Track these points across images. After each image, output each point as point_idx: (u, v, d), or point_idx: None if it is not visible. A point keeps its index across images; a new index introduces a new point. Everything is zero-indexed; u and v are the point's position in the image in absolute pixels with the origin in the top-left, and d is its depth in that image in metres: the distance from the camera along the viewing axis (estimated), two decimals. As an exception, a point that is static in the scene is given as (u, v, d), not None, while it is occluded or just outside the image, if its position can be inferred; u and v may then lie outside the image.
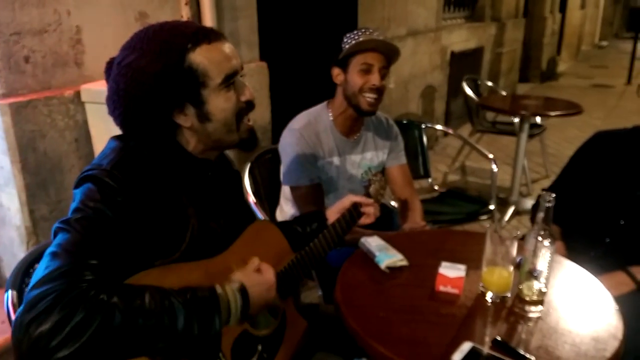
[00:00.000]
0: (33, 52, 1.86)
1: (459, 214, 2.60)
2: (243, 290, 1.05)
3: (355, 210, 1.43)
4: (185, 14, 2.44)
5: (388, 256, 1.39)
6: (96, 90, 1.94)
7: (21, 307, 0.85)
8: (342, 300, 1.24)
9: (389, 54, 1.79)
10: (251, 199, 2.04)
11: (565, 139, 5.32)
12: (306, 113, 1.93)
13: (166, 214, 1.04)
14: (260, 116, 2.83)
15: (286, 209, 2.00)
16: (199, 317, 0.96)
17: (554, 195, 1.21)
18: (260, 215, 1.99)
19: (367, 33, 1.78)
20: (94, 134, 2.01)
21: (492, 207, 2.59)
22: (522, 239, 1.31)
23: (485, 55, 6.31)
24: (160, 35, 1.04)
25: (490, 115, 4.48)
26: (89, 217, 0.95)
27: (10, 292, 1.17)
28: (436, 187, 2.92)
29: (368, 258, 1.42)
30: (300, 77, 3.11)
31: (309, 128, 1.86)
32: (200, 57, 1.03)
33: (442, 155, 4.89)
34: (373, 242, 1.45)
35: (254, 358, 1.15)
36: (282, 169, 1.89)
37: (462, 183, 4.28)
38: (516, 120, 3.73)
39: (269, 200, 2.13)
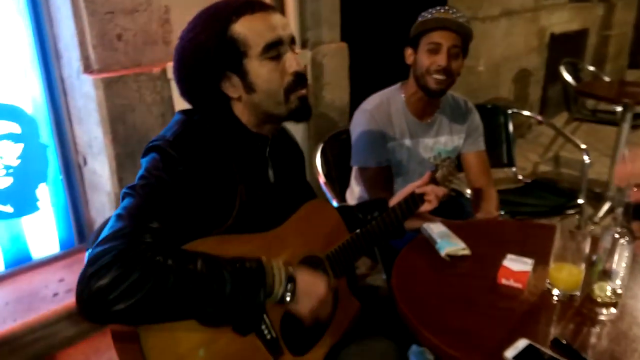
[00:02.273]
0: (125, 30, 1.98)
1: (542, 207, 2.45)
2: (289, 269, 1.06)
3: (417, 196, 1.39)
4: (269, -6, 2.47)
5: (450, 244, 1.34)
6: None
7: (85, 262, 0.92)
8: (397, 285, 1.22)
9: (460, 33, 1.69)
10: (321, 179, 2.06)
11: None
12: (379, 94, 1.90)
13: (218, 185, 1.08)
14: (339, 97, 2.83)
15: (356, 191, 1.99)
16: (245, 287, 0.99)
17: (635, 189, 1.10)
18: (328, 194, 2.00)
19: (442, 11, 1.70)
20: (178, 109, 2.11)
21: (580, 201, 2.42)
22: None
23: (590, 38, 5.82)
24: (210, 9, 1.10)
25: (590, 103, 4.15)
26: (152, 184, 1.02)
27: (90, 250, 1.28)
28: (520, 177, 2.76)
29: (429, 244, 1.39)
30: (381, 58, 3.06)
31: (381, 109, 1.82)
32: (241, 27, 1.06)
33: (534, 143, 4.62)
34: (435, 229, 1.41)
35: (303, 331, 1.16)
36: (352, 149, 1.88)
37: (554, 174, 4.02)
38: (618, 108, 3.43)
39: (340, 182, 2.14)
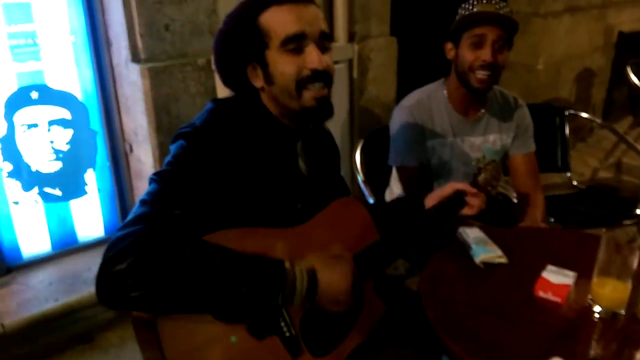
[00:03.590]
0: (173, 20, 2.01)
1: (596, 216, 2.30)
2: (312, 272, 1.03)
3: (457, 199, 1.33)
4: (318, -14, 2.45)
5: (485, 250, 1.27)
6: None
7: (107, 245, 0.93)
8: (426, 290, 1.17)
9: (505, 25, 1.59)
10: (360, 176, 2.02)
11: None
12: (419, 90, 1.82)
13: (244, 176, 1.07)
14: (385, 93, 2.77)
15: (395, 190, 1.93)
16: (263, 289, 0.97)
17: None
18: (366, 193, 1.96)
19: (484, 2, 1.60)
20: (221, 100, 2.13)
21: (639, 211, 2.25)
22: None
23: (664, 38, 5.45)
24: (243, 1, 1.10)
25: (659, 107, 3.89)
26: (177, 170, 1.02)
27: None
28: (575, 183, 2.61)
29: (464, 250, 1.32)
30: (431, 54, 2.97)
31: (421, 106, 1.75)
32: (267, 17, 1.06)
33: (595, 148, 4.36)
34: (471, 234, 1.34)
35: (324, 331, 1.13)
36: (390, 147, 1.82)
37: (615, 181, 3.78)
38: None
39: (382, 180, 2.08)
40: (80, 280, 2.04)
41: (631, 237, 2.34)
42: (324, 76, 1.09)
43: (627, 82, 3.76)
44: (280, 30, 1.06)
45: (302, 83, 1.08)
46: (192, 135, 1.05)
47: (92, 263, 2.14)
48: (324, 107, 1.11)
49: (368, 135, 2.10)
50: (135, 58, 1.98)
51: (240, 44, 1.08)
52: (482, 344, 1.02)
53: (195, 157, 1.03)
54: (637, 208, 2.26)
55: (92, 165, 2.21)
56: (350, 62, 2.55)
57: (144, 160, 2.14)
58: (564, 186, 2.75)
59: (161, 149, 2.05)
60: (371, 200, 1.93)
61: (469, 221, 1.56)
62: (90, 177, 2.22)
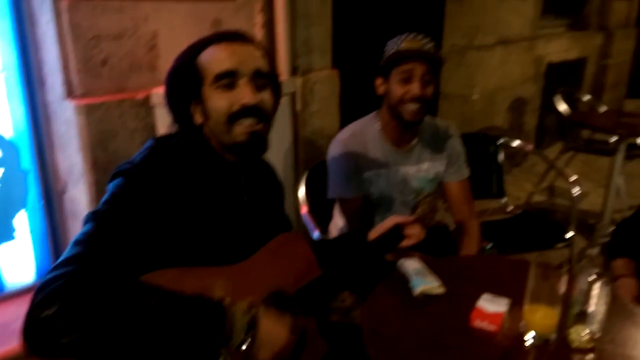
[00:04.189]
0: (110, 55, 1.98)
1: (531, 240, 2.40)
2: (253, 316, 1.01)
3: (396, 232, 1.36)
4: (258, 21, 2.48)
5: (424, 282, 1.30)
6: (165, 94, 2.02)
7: (36, 288, 0.89)
8: (366, 325, 1.18)
9: (431, 61, 1.68)
10: (304, 209, 2.03)
11: (675, 162, 4.76)
12: (353, 124, 1.87)
13: (183, 213, 1.06)
14: (329, 124, 2.81)
15: (339, 223, 1.95)
16: (201, 332, 0.95)
17: (611, 229, 1.06)
18: (310, 225, 1.96)
19: (409, 39, 1.69)
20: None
21: (570, 234, 2.37)
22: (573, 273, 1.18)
23: (588, 67, 5.83)
24: (196, 39, 1.15)
25: (585, 133, 4.12)
26: (115, 209, 1.00)
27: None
28: (510, 208, 2.72)
29: (404, 282, 1.34)
30: (372, 86, 3.05)
31: (355, 139, 1.80)
32: (204, 56, 1.12)
33: (529, 173, 4.57)
34: (410, 265, 1.37)
35: None
36: (328, 180, 1.85)
37: (549, 204, 3.97)
38: (613, 139, 3.40)
39: (327, 212, 2.10)
40: (8, 331, 1.91)
41: (567, 258, 2.44)
42: (255, 112, 1.11)
43: (556, 109, 3.98)
44: (213, 67, 1.10)
45: (232, 118, 1.10)
46: (130, 173, 1.04)
47: (21, 312, 2.00)
48: (256, 143, 1.13)
49: (312, 168, 2.12)
50: (70, 94, 1.93)
51: (181, 82, 1.13)
52: (422, 378, 1.03)
53: (133, 195, 1.02)
54: (568, 232, 2.38)
55: (24, 206, 2.11)
56: (293, 95, 2.58)
57: (79, 200, 2.06)
58: (500, 211, 2.87)
59: (97, 188, 1.98)
60: (316, 233, 1.94)
61: (409, 252, 1.60)
62: (22, 218, 2.11)
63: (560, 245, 2.36)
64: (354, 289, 1.96)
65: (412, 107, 1.68)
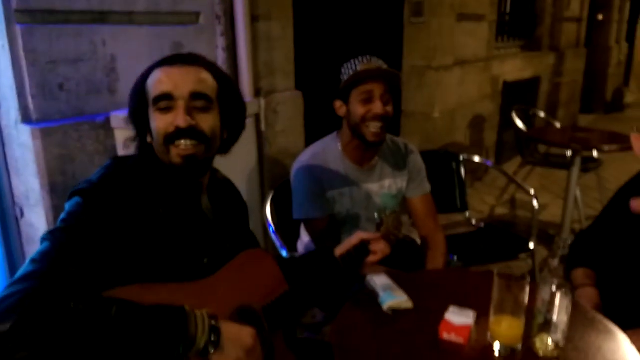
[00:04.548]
0: (67, 79, 1.94)
1: (494, 252, 2.45)
2: (214, 319, 1.00)
3: (362, 247, 1.37)
4: (220, 45, 2.49)
5: (392, 297, 1.30)
6: (125, 116, 1.99)
7: None
8: (336, 342, 1.17)
9: (389, 79, 1.73)
10: (271, 227, 2.01)
11: (627, 173, 4.89)
12: (314, 145, 1.89)
13: (143, 231, 1.05)
14: (294, 144, 2.82)
15: (306, 241, 1.95)
16: (164, 337, 0.93)
17: (569, 241, 1.10)
18: (278, 243, 1.95)
19: (364, 62, 1.73)
20: (122, 159, 2.06)
21: (532, 245, 2.43)
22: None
23: (542, 85, 6.07)
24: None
25: (542, 148, 4.26)
26: (71, 227, 0.99)
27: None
28: (474, 222, 2.77)
29: (372, 297, 1.35)
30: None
31: (316, 160, 1.81)
32: (150, 79, 1.14)
33: (491, 187, 4.69)
34: (379, 281, 1.37)
35: None
36: (293, 202, 1.85)
37: (510, 217, 4.07)
38: (569, 153, 3.53)
39: (293, 230, 2.09)
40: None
41: (530, 268, 2.50)
42: (191, 133, 1.11)
43: (514, 126, 4.11)
44: (153, 90, 1.12)
45: (168, 139, 1.11)
46: (87, 192, 1.04)
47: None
48: (190, 165, 1.13)
49: (278, 186, 2.12)
50: (26, 119, 1.88)
51: (133, 103, 1.16)
52: (393, 393, 1.03)
53: (90, 213, 1.01)
54: (530, 242, 2.44)
55: (-22, 233, 2.03)
56: (257, 116, 2.59)
57: (37, 225, 2.00)
58: (464, 225, 2.92)
59: (55, 212, 1.92)
60: (284, 251, 1.93)
61: (377, 267, 1.61)
62: (-24, 246, 2.03)
63: (523, 256, 2.42)
64: (322, 306, 1.95)
65: (374, 126, 1.70)
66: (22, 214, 2.04)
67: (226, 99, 1.20)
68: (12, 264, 2.11)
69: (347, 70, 1.75)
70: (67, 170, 1.93)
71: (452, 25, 4.12)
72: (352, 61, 1.76)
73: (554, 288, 1.12)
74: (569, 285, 1.12)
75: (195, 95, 1.12)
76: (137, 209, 1.06)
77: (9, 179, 2.04)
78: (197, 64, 1.15)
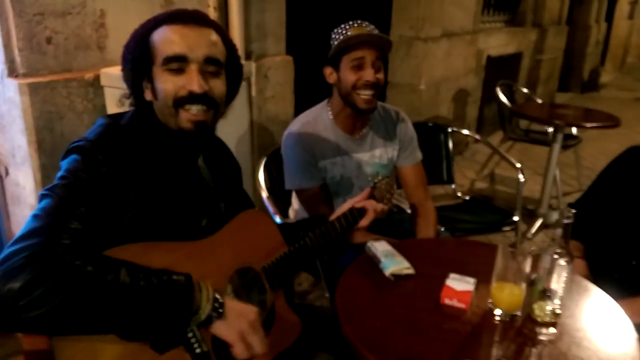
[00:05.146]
0: (55, 33, 1.86)
1: (480, 224, 2.50)
2: (217, 292, 1.01)
3: (355, 210, 1.38)
4: (212, 4, 2.41)
5: (394, 263, 1.32)
6: (116, 74, 1.93)
7: None
8: (341, 306, 1.18)
9: (380, 45, 1.69)
10: (264, 194, 2.00)
11: (602, 152, 5.10)
12: (304, 114, 1.86)
13: (141, 188, 1.04)
14: (283, 110, 2.79)
15: (298, 210, 1.95)
16: (170, 303, 0.94)
17: (573, 211, 1.12)
18: (271, 210, 1.95)
19: (355, 26, 1.68)
20: (112, 118, 2.00)
21: (516, 218, 2.48)
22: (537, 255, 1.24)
23: (523, 62, 6.12)
24: (150, 17, 1.11)
25: (524, 124, 4.32)
26: (72, 183, 0.97)
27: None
28: (459, 194, 2.81)
29: (373, 263, 1.36)
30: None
31: (307, 128, 1.79)
32: (156, 35, 1.08)
33: (471, 161, 4.76)
34: (380, 247, 1.39)
35: None
36: (284, 172, 1.83)
37: (490, 191, 4.14)
38: (550, 129, 3.59)
39: (284, 198, 2.09)
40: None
41: (513, 242, 2.57)
42: (203, 99, 1.08)
43: (497, 101, 4.15)
44: (163, 49, 1.07)
45: (179, 102, 1.08)
46: (86, 149, 1.01)
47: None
48: (201, 131, 1.11)
49: (270, 153, 2.10)
50: (12, 73, 1.80)
51: (133, 58, 1.10)
52: (398, 355, 1.06)
53: (91, 169, 0.99)
54: (514, 215, 2.50)
55: (-40, 191, 1.96)
56: (248, 80, 2.54)
57: (23, 184, 1.94)
58: (448, 197, 2.96)
59: (43, 171, 1.87)
60: (277, 218, 1.92)
61: (373, 236, 1.62)
62: (-42, 204, 1.97)
63: (506, 228, 2.47)
64: (313, 272, 1.97)
65: (366, 93, 1.68)
66: (6, 173, 1.98)
67: (232, 64, 1.17)
68: (-4, 223, 2.06)
69: (338, 36, 1.71)
70: (55, 128, 1.87)
71: (441, -6, 4.09)
72: (342, 26, 1.71)
73: (555, 256, 1.15)
74: (569, 255, 1.16)
75: (208, 60, 1.08)
76: (136, 169, 1.04)
77: (-7, 135, 1.97)
78: (209, 25, 1.11)
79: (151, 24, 1.09)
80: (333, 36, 1.74)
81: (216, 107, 1.12)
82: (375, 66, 1.68)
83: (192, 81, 1.06)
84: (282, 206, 2.06)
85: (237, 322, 1.01)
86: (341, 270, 1.35)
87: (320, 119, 1.82)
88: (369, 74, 1.66)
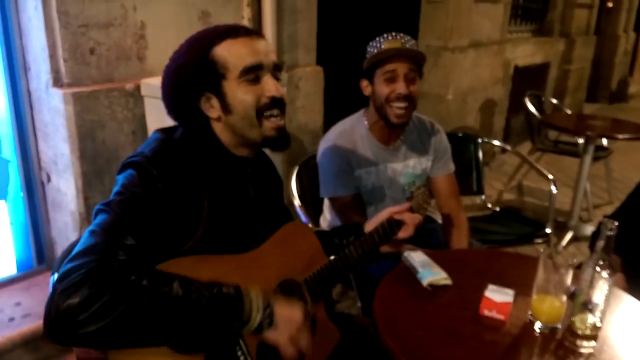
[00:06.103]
0: (98, 44, 1.93)
1: (511, 235, 2.48)
2: (267, 299, 1.04)
3: (393, 222, 1.38)
4: (246, 15, 2.47)
5: (431, 273, 1.33)
6: (155, 84, 1.97)
7: (56, 277, 0.88)
8: (380, 316, 1.19)
9: (414, 58, 1.71)
10: (296, 202, 2.03)
11: (632, 164, 5.02)
12: (342, 122, 1.89)
13: (194, 204, 1.06)
14: (313, 120, 2.82)
15: (329, 218, 1.97)
16: (222, 314, 0.96)
17: (616, 223, 1.12)
18: (304, 218, 1.97)
19: (389, 39, 1.70)
20: (150, 127, 2.06)
21: (548, 230, 2.46)
22: (578, 268, 1.23)
23: (551, 72, 6.06)
24: (198, 33, 1.14)
25: (552, 134, 4.28)
26: (128, 199, 0.99)
27: (55, 275, 1.20)
28: (489, 205, 2.80)
29: (410, 273, 1.37)
30: (356, 83, 3.08)
31: (344, 137, 1.81)
32: (222, 50, 1.09)
33: (498, 172, 4.71)
34: (417, 258, 1.39)
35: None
36: (320, 180, 1.85)
37: (518, 203, 4.10)
38: (580, 141, 3.55)
39: (315, 206, 2.11)
40: (-9, 324, 1.84)
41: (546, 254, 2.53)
42: (280, 104, 1.13)
43: (525, 111, 4.12)
44: (238, 61, 1.08)
45: (261, 111, 1.10)
46: (142, 164, 1.03)
47: (4, 304, 1.95)
48: (283, 137, 1.15)
49: (302, 163, 2.12)
50: (57, 83, 1.87)
51: (193, 76, 1.10)
52: (440, 365, 1.06)
53: (146, 185, 1.01)
54: (546, 227, 2.47)
55: (4, 196, 2.03)
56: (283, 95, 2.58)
57: (65, 191, 2.00)
58: (478, 208, 2.95)
59: (85, 178, 1.93)
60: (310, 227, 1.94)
61: (406, 246, 1.63)
62: (2, 209, 2.03)
63: (538, 240, 2.45)
64: (344, 282, 1.98)
65: (398, 106, 1.69)
66: (48, 179, 2.05)
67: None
68: (36, 229, 2.12)
69: (372, 49, 1.73)
70: (97, 136, 1.93)
71: (469, 5, 4.09)
72: (377, 39, 1.73)
73: (597, 269, 1.15)
74: (611, 268, 1.15)
75: (276, 67, 1.13)
76: (191, 183, 1.06)
77: (36, 143, 2.04)
78: (261, 35, 1.15)
79: (207, 41, 1.10)
80: (368, 49, 1.76)
81: (285, 112, 1.16)
82: (408, 78, 1.70)
83: (271, 87, 1.10)
84: (314, 215, 2.08)
85: (286, 327, 1.04)
86: (373, 280, 1.36)
87: (356, 128, 1.84)
88: (400, 87, 1.68)
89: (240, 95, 1.09)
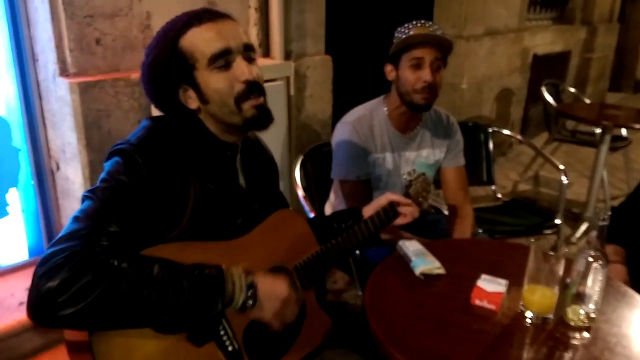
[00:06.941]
0: (104, 34, 1.95)
1: (519, 226, 2.44)
2: (250, 276, 1.04)
3: (391, 209, 1.38)
4: (252, 4, 2.47)
5: (425, 262, 1.32)
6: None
7: (38, 261, 0.89)
8: (369, 304, 1.20)
9: (440, 46, 1.69)
10: (300, 192, 2.03)
11: (654, 155, 4.90)
12: (362, 106, 1.88)
13: (181, 191, 1.06)
14: (321, 110, 2.82)
15: (335, 204, 1.97)
16: (203, 294, 0.97)
17: (609, 213, 1.10)
18: (307, 209, 1.97)
19: (418, 26, 1.70)
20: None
21: (558, 221, 2.42)
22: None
23: (572, 60, 5.92)
24: (166, 24, 1.11)
25: (570, 124, 4.19)
26: (113, 187, 1.00)
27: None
28: (499, 196, 2.77)
29: (404, 262, 1.37)
30: (366, 72, 3.06)
31: (363, 121, 1.81)
32: (188, 40, 1.06)
33: (515, 162, 4.65)
34: (411, 247, 1.39)
35: (267, 344, 1.13)
36: (333, 161, 1.86)
37: (534, 193, 4.04)
38: (598, 130, 3.47)
39: (320, 195, 2.11)
40: (2, 307, 1.90)
41: (552, 245, 2.50)
42: (257, 86, 1.10)
43: (542, 100, 4.04)
44: (204, 49, 1.06)
45: (239, 98, 1.09)
46: (127, 152, 1.03)
47: (15, 288, 2.00)
48: (264, 114, 1.12)
49: (307, 152, 2.13)
50: (63, 73, 1.90)
51: (165, 71, 1.08)
52: (426, 354, 1.06)
53: (131, 173, 1.01)
54: (556, 218, 2.43)
55: (15, 184, 2.08)
56: (287, 79, 2.58)
57: (73, 179, 2.04)
58: (489, 198, 2.92)
59: (91, 167, 1.96)
60: (311, 215, 1.95)
61: (405, 234, 1.62)
62: (13, 196, 2.08)
63: (548, 232, 2.41)
64: (347, 270, 1.98)
65: (423, 93, 1.69)
66: (57, 168, 2.09)
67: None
68: (47, 216, 2.17)
69: (400, 35, 1.73)
70: (103, 126, 1.96)
71: (484, -7, 4.02)
72: (406, 25, 1.73)
73: (589, 259, 1.13)
74: (604, 258, 1.13)
75: (246, 47, 1.10)
76: (177, 171, 1.06)
77: (45, 132, 2.08)
78: (228, 17, 1.11)
79: (173, 33, 1.07)
80: (396, 34, 1.76)
81: (264, 92, 1.13)
82: (434, 66, 1.69)
83: (244, 70, 1.07)
84: (318, 205, 2.09)
85: (271, 304, 1.05)
86: (371, 267, 1.36)
87: (375, 114, 1.84)
88: (426, 74, 1.68)
89: (213, 83, 1.07)
